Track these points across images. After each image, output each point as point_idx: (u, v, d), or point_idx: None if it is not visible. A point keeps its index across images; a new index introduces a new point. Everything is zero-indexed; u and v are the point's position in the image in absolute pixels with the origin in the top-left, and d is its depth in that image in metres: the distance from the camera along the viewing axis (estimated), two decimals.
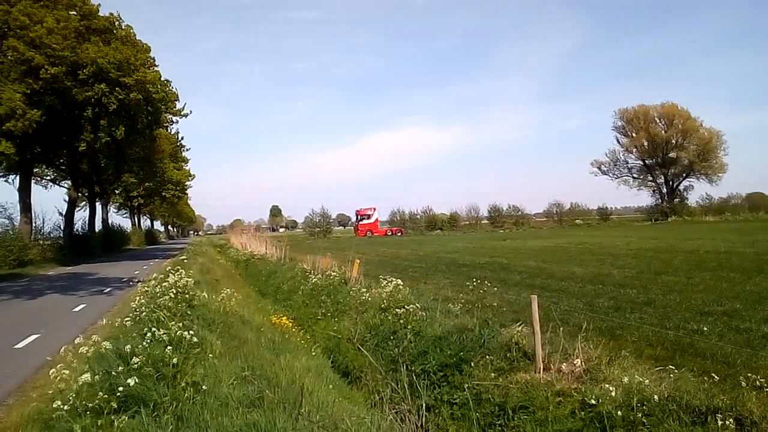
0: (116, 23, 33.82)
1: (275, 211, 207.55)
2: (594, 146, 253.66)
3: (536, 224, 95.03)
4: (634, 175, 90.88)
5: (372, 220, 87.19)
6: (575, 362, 6.73)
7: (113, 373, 4.68)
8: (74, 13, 31.55)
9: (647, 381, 5.79)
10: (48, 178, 49.95)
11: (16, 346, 10.16)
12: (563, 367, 6.80)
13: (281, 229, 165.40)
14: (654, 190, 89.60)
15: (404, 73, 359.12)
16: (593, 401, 5.74)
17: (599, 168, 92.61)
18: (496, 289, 10.30)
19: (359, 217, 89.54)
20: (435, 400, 7.34)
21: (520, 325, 8.26)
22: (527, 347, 7.46)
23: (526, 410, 6.22)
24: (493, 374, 7.05)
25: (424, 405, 6.73)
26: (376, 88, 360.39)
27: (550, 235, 56.48)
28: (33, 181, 40.57)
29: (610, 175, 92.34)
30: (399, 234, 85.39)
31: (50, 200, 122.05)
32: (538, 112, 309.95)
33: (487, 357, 7.47)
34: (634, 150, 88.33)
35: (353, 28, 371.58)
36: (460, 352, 7.90)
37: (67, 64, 29.41)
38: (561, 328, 7.36)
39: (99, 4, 32.97)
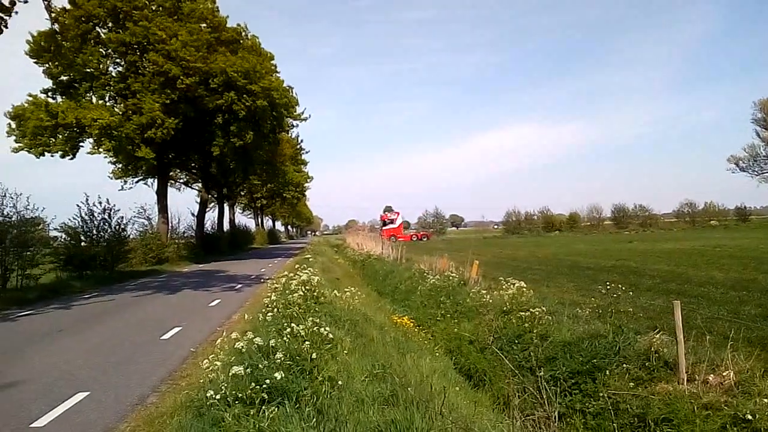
0: (243, 33, 35.83)
1: (388, 212, 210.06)
2: (730, 141, 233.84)
3: (665, 225, 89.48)
4: None
5: (396, 225, 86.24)
6: (724, 374, 6.22)
7: (260, 366, 4.92)
8: (205, 25, 33.79)
9: None
10: (181, 181, 53.97)
11: (162, 338, 10.94)
12: (710, 378, 6.30)
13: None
14: None
15: (517, 70, 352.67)
16: (748, 416, 5.27)
17: (737, 164, 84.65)
18: (631, 293, 9.76)
19: (383, 222, 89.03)
20: (566, 408, 7.08)
21: (657, 332, 7.77)
22: (668, 356, 7.00)
23: (669, 423, 5.82)
24: (631, 384, 6.67)
25: (557, 413, 6.49)
26: (488, 86, 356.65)
27: (681, 237, 52.88)
28: (168, 183, 43.92)
29: (750, 171, 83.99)
30: (425, 239, 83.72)
31: (183, 202, 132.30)
32: (665, 105, 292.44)
33: (624, 365, 7.08)
34: None
35: (466, 26, 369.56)
36: (593, 359, 7.56)
37: (200, 74, 31.61)
38: (707, 337, 6.82)
39: (227, 16, 35.17)
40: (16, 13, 14.45)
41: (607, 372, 7.17)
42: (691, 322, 8.23)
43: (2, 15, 14.27)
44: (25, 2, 14.50)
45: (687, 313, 9.23)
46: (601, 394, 6.80)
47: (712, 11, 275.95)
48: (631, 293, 9.75)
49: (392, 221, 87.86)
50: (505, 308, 10.87)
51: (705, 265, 21.57)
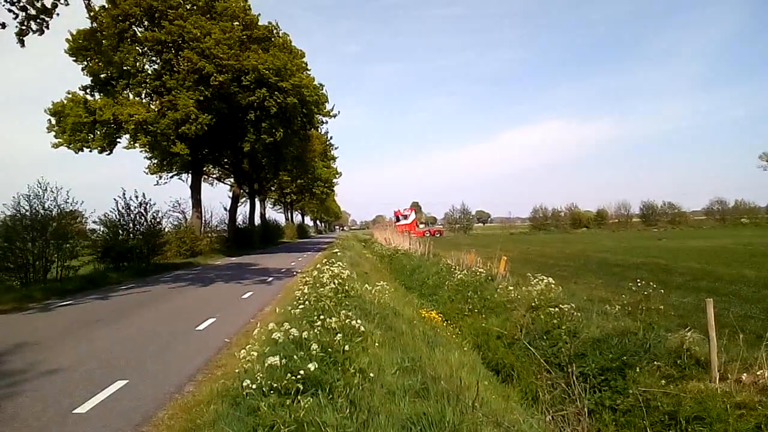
0: (274, 31, 36.15)
1: (415, 208, 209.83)
2: (762, 138, 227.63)
3: (695, 223, 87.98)
4: None
5: (409, 221, 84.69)
6: (758, 373, 6.17)
7: (294, 357, 5.06)
8: (237, 23, 34.22)
9: None
10: (214, 176, 54.88)
11: (197, 328, 11.20)
12: (743, 377, 6.26)
13: (421, 225, 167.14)
14: None
15: (546, 66, 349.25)
16: None
17: None
18: (661, 291, 9.68)
19: (397, 218, 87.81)
20: (595, 405, 7.09)
21: (688, 330, 7.72)
22: (699, 354, 6.97)
23: (701, 421, 5.81)
24: (662, 381, 6.66)
25: (586, 410, 6.51)
26: (516, 82, 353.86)
27: (711, 234, 51.90)
28: (202, 179, 44.56)
29: None
30: (438, 235, 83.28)
31: (216, 197, 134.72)
32: (696, 102, 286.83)
33: (654, 363, 7.06)
34: None
35: (495, 22, 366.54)
36: (623, 356, 7.55)
37: (233, 71, 32.07)
38: (740, 336, 6.77)
39: (259, 14, 35.54)
40: (57, 15, 14.84)
41: (638, 369, 7.16)
42: (722, 320, 8.16)
43: (44, 17, 14.66)
44: (67, 4, 14.88)
45: (719, 311, 9.14)
46: (631, 391, 6.80)
47: (743, 7, 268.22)
48: (661, 291, 9.66)
49: (405, 217, 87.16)
50: (533, 304, 10.87)
51: (736, 263, 21.21)
